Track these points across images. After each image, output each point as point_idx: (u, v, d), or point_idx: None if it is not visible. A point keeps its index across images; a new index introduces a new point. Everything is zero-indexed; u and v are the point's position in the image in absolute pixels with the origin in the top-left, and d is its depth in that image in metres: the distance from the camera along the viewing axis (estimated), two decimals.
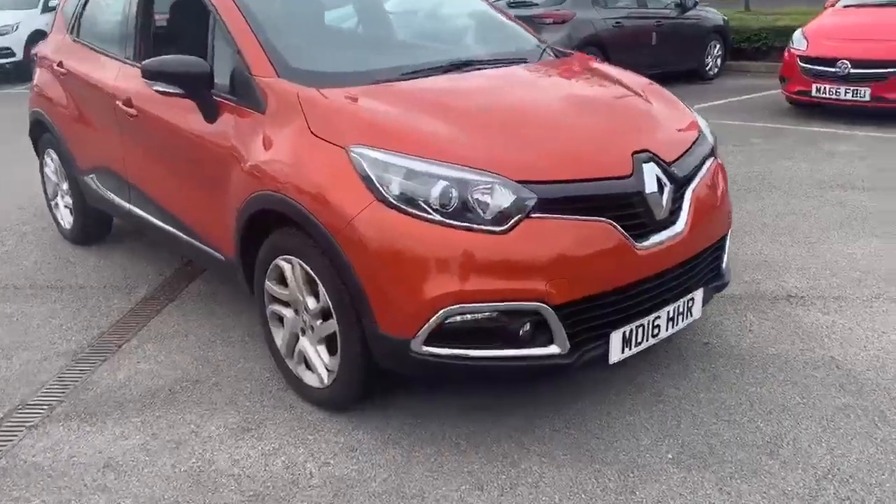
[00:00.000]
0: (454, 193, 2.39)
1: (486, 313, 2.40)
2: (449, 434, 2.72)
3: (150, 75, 3.02)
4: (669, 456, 2.57)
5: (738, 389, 2.96)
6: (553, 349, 2.46)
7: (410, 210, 2.39)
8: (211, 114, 3.05)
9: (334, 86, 2.83)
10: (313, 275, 2.67)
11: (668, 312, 2.72)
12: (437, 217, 2.37)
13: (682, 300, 2.77)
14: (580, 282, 2.46)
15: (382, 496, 2.43)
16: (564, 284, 2.43)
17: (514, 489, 2.43)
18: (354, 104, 2.72)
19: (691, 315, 2.86)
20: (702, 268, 2.89)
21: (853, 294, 3.79)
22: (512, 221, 2.37)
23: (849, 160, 6.43)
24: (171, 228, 3.57)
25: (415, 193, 2.41)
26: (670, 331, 2.78)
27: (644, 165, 2.61)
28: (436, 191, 2.39)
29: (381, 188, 2.43)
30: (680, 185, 2.74)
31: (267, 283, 2.94)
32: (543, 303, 2.40)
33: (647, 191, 2.58)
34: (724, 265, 3.08)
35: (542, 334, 2.46)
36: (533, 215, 2.39)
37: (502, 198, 2.38)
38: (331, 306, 2.64)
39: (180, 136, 3.26)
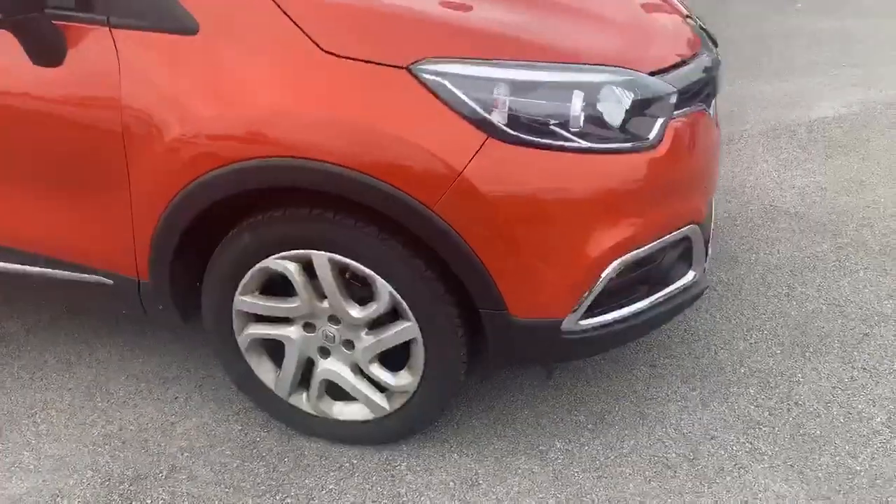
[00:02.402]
0: (586, 104, 1.70)
1: (644, 255, 1.82)
2: (559, 418, 2.13)
3: None
4: (777, 351, 2.34)
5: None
6: (690, 276, 1.99)
7: (543, 141, 1.65)
8: (53, 52, 1.77)
9: None
10: (364, 269, 1.76)
11: None
12: (580, 142, 1.67)
13: None
14: (709, 186, 2.01)
15: None
16: (704, 194, 1.96)
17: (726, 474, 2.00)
18: None
19: None
20: None
21: None
22: (657, 129, 1.77)
23: None
24: None
25: (539, 114, 1.65)
26: None
27: (701, 30, 2.17)
28: (575, 105, 1.66)
29: (490, 118, 1.63)
30: None
31: (241, 299, 1.91)
32: (695, 223, 1.90)
33: (720, 58, 2.16)
34: None
35: (681, 262, 1.97)
36: (675, 115, 1.83)
37: (643, 99, 1.76)
38: (405, 307, 1.79)
39: None
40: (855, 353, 2.31)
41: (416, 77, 1.62)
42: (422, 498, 1.89)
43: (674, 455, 1.98)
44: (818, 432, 2.03)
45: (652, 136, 1.75)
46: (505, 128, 1.62)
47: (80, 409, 2.23)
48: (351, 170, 1.63)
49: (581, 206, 1.69)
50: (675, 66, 1.89)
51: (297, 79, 1.66)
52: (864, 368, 2.25)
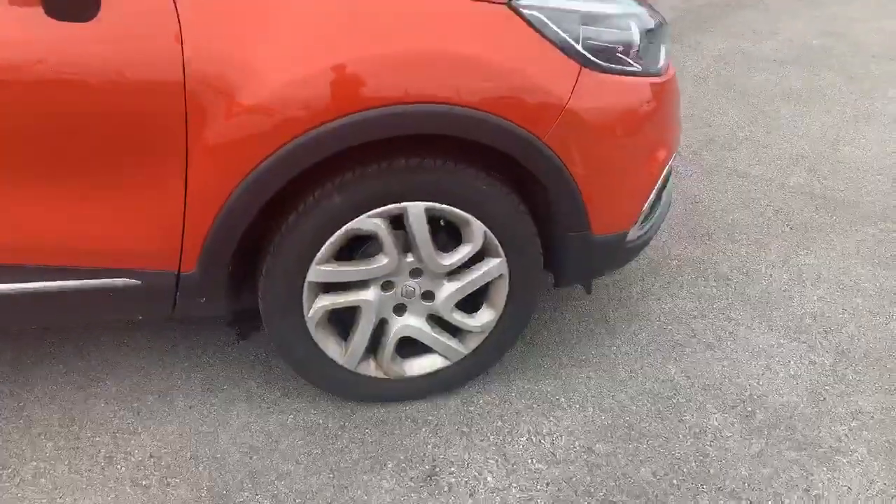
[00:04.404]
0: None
1: (670, 167, 2.09)
2: (574, 331, 2.34)
3: None
4: (686, 244, 2.81)
5: None
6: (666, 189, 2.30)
7: (616, 67, 1.80)
8: (85, 1, 1.43)
9: None
10: (460, 213, 1.77)
11: None
12: (636, 67, 1.86)
13: None
14: None
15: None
16: None
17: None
18: None
19: None
20: None
21: None
22: (664, 56, 2.03)
23: None
24: None
25: (611, 42, 1.80)
26: None
27: None
28: (636, 33, 1.84)
29: (578, 48, 1.74)
30: None
31: (319, 269, 1.77)
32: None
33: None
34: None
35: None
36: None
37: (658, 28, 2.00)
38: (496, 244, 1.84)
39: None
40: (736, 234, 2.88)
41: (515, 11, 1.67)
42: (520, 424, 1.97)
43: (680, 336, 2.32)
44: (757, 295, 2.53)
45: (661, 62, 2.01)
46: (591, 56, 1.75)
47: (76, 452, 1.84)
48: (471, 109, 1.63)
49: (647, 125, 1.90)
50: None
51: (405, 19, 1.59)
52: (751, 243, 2.82)
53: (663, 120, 1.96)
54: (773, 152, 3.57)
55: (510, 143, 1.70)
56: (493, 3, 1.65)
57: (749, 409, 2.06)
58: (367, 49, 1.55)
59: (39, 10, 1.41)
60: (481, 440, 1.92)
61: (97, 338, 2.19)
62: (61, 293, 1.67)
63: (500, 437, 1.93)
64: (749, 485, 1.83)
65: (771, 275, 2.64)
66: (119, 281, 1.68)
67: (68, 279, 1.66)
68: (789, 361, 2.24)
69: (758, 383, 2.15)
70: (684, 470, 1.86)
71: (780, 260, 2.73)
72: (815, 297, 2.53)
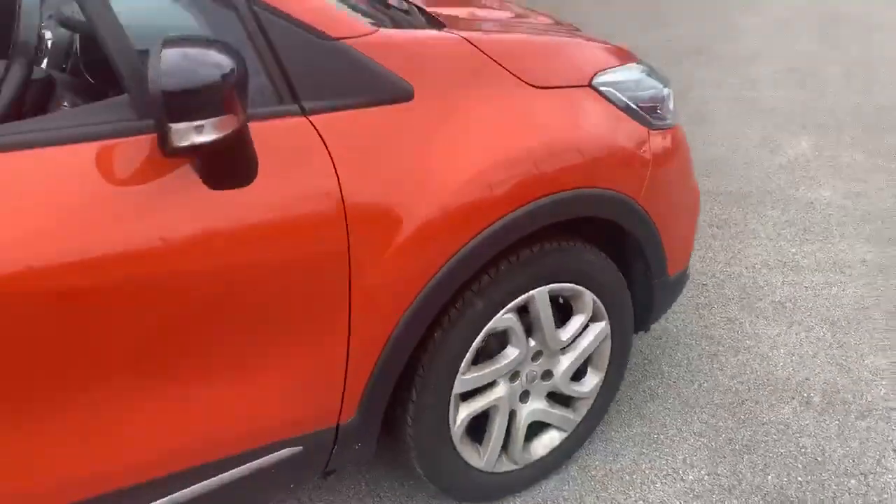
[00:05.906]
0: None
1: None
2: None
3: (176, 106, 1.05)
4: None
5: None
6: None
7: (659, 122, 1.96)
8: (248, 166, 1.29)
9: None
10: (574, 287, 1.83)
11: None
12: (667, 120, 2.03)
13: None
14: None
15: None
16: None
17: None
18: (542, 24, 1.83)
19: None
20: None
21: None
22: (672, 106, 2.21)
23: None
24: None
25: (652, 101, 1.95)
26: None
27: None
28: (664, 88, 2.01)
29: (640, 111, 1.88)
30: None
31: (464, 378, 1.73)
32: None
33: None
34: None
35: None
36: None
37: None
38: (601, 308, 1.91)
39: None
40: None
41: (596, 90, 1.77)
42: (644, 471, 2.04)
43: (709, 348, 2.53)
44: (737, 294, 2.82)
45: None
46: (649, 117, 1.90)
47: None
48: (597, 189, 1.71)
49: (685, 166, 2.07)
50: None
51: (526, 116, 1.63)
52: (700, 247, 3.12)
53: (689, 159, 2.15)
54: None
55: (619, 212, 1.78)
56: (574, 87, 1.74)
57: (804, 394, 2.30)
58: (510, 149, 1.56)
59: (195, 183, 1.25)
60: (625, 499, 1.96)
61: None
62: (223, 487, 1.47)
63: (637, 491, 1.99)
64: (852, 461, 2.05)
65: (732, 272, 2.95)
66: (281, 453, 1.52)
67: (231, 468, 1.46)
68: (801, 344, 2.53)
69: (793, 370, 2.41)
70: (798, 466, 2.05)
71: (729, 258, 3.05)
72: (780, 283, 2.87)
